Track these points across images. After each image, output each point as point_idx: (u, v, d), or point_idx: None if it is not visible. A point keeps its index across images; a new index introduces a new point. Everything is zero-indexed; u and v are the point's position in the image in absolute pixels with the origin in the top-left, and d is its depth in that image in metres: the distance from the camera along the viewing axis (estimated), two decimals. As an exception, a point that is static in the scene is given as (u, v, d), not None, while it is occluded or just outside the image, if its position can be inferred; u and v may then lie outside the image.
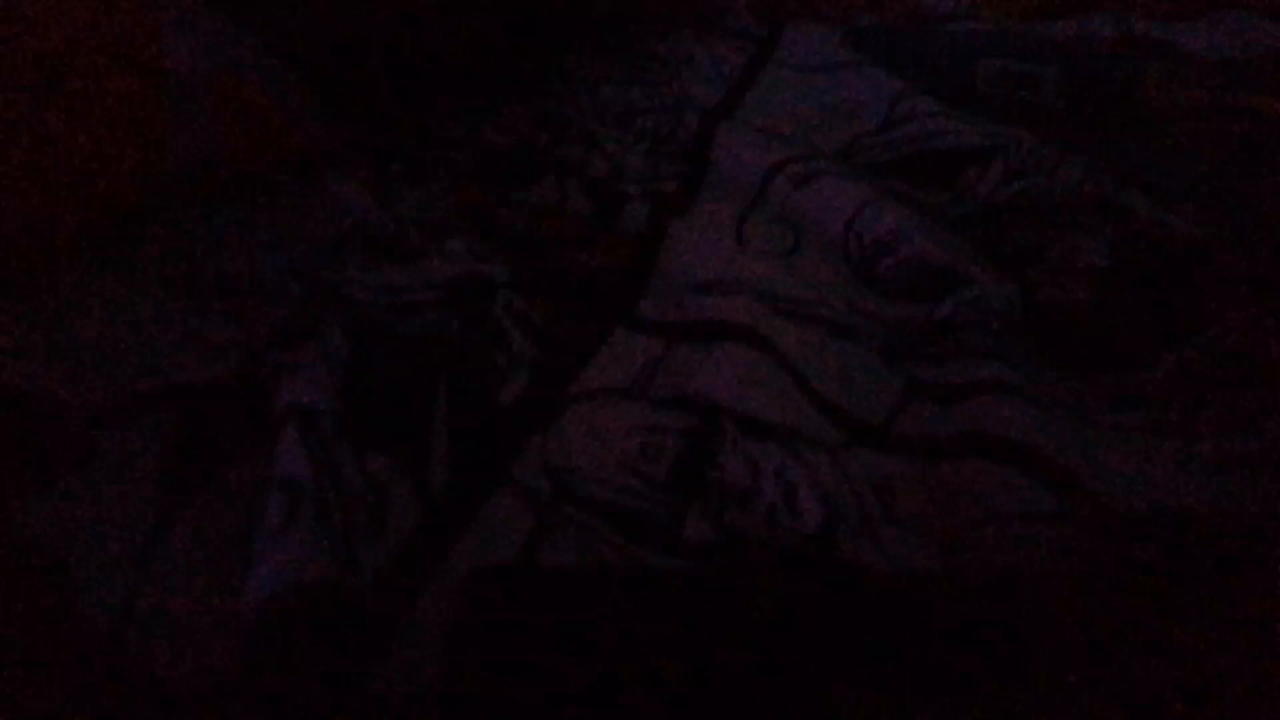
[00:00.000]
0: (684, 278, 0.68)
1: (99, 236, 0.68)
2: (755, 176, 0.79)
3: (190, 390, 0.58)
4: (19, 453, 0.54)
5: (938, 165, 0.80)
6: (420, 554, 0.48)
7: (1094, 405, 0.59)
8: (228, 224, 0.71)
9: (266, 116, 0.73)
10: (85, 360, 0.60)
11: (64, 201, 0.65)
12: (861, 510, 0.52)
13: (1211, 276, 0.68)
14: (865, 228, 0.71)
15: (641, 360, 0.61)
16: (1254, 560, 0.49)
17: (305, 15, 0.74)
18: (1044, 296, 0.67)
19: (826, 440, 0.55)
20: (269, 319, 0.62)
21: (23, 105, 0.61)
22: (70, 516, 0.50)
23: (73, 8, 0.62)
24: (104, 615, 0.46)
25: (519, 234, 0.73)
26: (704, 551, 0.49)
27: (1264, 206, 0.75)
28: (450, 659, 0.44)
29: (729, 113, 0.90)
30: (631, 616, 0.46)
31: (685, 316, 0.64)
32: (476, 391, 0.58)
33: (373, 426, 0.54)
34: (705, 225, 0.74)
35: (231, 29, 0.71)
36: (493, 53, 0.89)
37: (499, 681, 0.44)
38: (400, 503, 0.50)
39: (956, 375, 0.59)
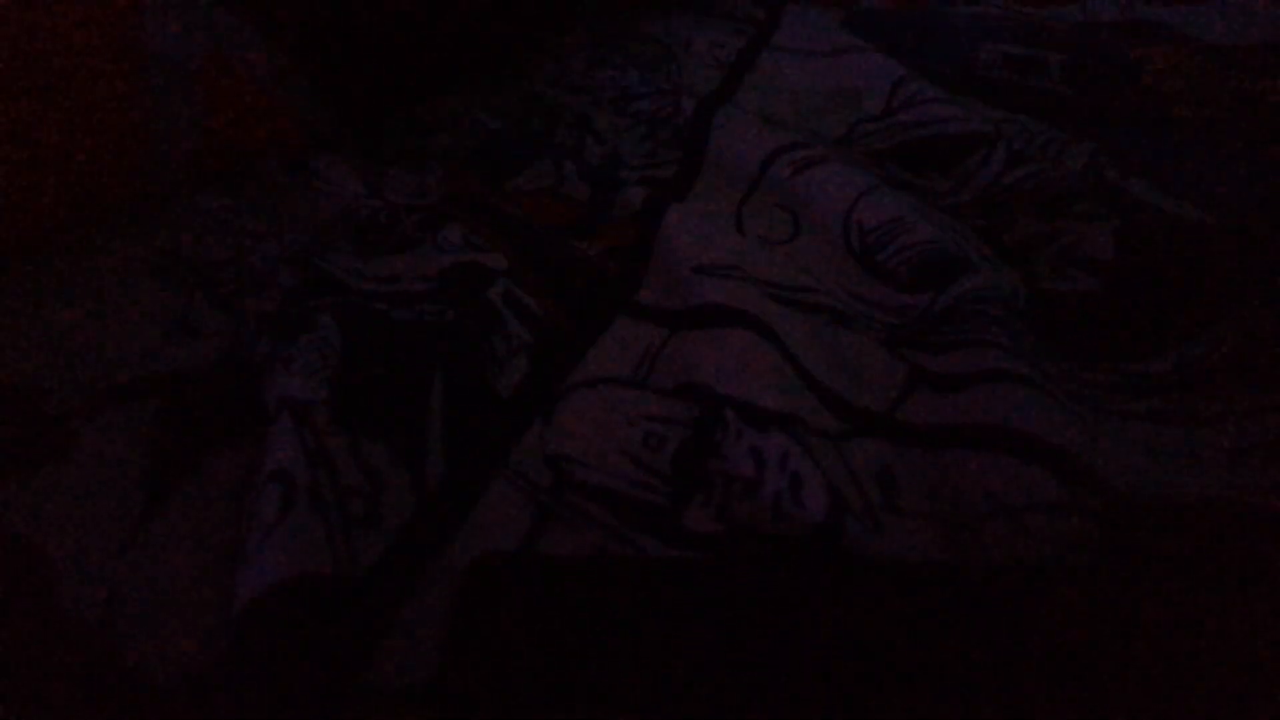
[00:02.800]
0: (683, 263, 0.66)
1: (83, 224, 0.66)
2: (753, 162, 0.77)
3: (175, 379, 0.57)
4: None
5: (939, 152, 0.79)
6: (418, 545, 0.47)
7: (1101, 395, 0.58)
8: (214, 210, 0.70)
9: (253, 100, 0.72)
10: (67, 349, 0.58)
11: (46, 188, 0.63)
12: (865, 500, 0.51)
13: (1219, 265, 0.67)
14: (866, 215, 0.70)
15: (642, 348, 0.60)
16: (1265, 549, 0.49)
17: (294, -4, 0.72)
18: (1048, 286, 0.66)
19: (829, 429, 0.54)
20: (258, 307, 0.61)
21: (1, 91, 0.59)
22: (52, 507, 0.49)
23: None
24: (87, 606, 0.44)
25: (515, 221, 0.71)
26: (706, 542, 0.48)
27: (1270, 194, 0.74)
28: (448, 651, 0.43)
29: (727, 97, 0.89)
30: (632, 606, 0.45)
31: (685, 303, 0.63)
32: (474, 380, 0.56)
33: (367, 416, 0.53)
34: (703, 210, 0.73)
35: (217, 10, 0.70)
36: (484, 34, 0.88)
37: (497, 673, 0.43)
38: (396, 493, 0.49)
39: (960, 364, 0.58)
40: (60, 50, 0.61)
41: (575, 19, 0.99)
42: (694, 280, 0.64)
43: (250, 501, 0.47)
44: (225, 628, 0.43)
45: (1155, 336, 0.62)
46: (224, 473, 0.50)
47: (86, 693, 0.42)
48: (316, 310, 0.59)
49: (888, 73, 0.89)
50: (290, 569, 0.43)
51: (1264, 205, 0.72)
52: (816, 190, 0.73)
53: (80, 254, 0.65)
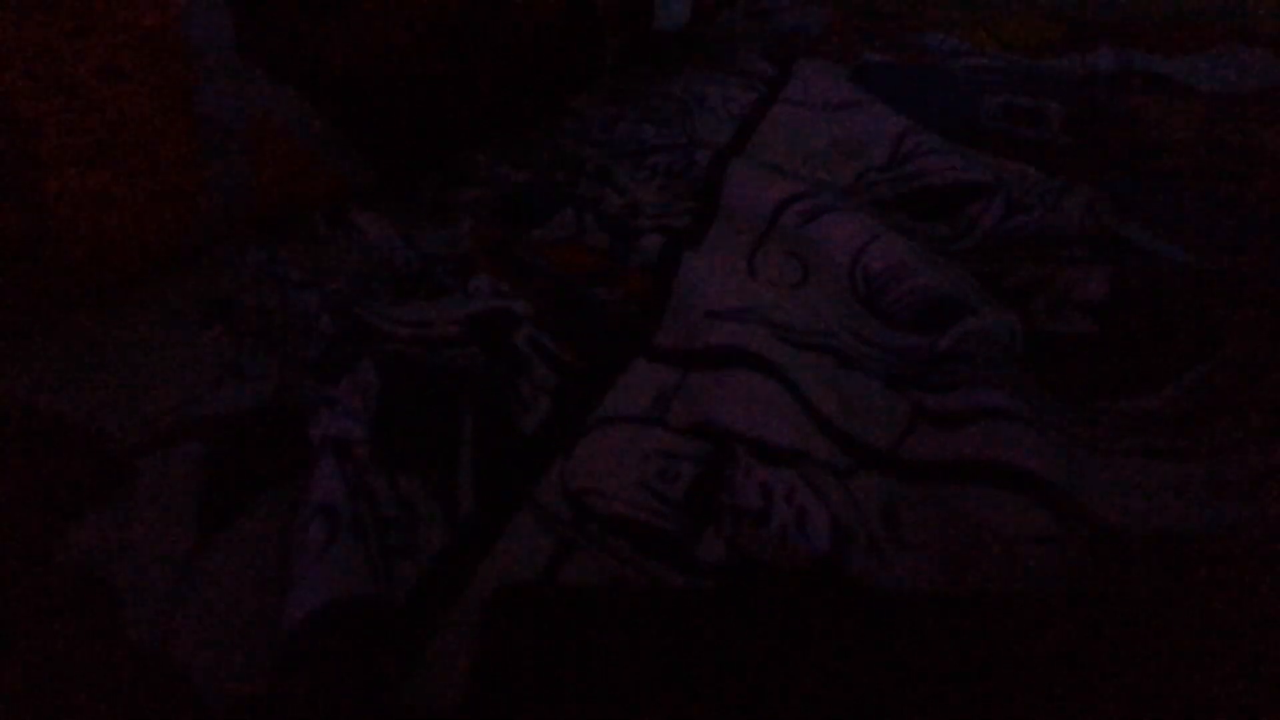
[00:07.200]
0: (697, 306, 0.70)
1: (140, 274, 0.72)
2: (765, 211, 0.81)
3: (225, 420, 0.61)
4: (63, 479, 0.57)
5: (942, 200, 0.83)
6: (448, 572, 0.50)
7: (1093, 431, 0.60)
8: (261, 261, 0.75)
9: (296, 159, 0.77)
10: (125, 390, 0.63)
11: (104, 239, 0.68)
12: (869, 532, 0.54)
13: (1210, 307, 0.70)
14: (871, 261, 0.74)
15: (658, 388, 0.64)
16: (1251, 582, 0.51)
17: (332, 62, 0.78)
18: (1045, 327, 0.69)
19: (835, 464, 0.58)
20: (302, 352, 0.65)
21: (65, 146, 0.64)
22: (113, 539, 0.53)
23: (115, 54, 0.65)
24: (145, 632, 0.48)
25: (539, 269, 0.76)
26: (718, 571, 0.51)
27: (1261, 238, 0.77)
28: (472, 676, 0.46)
29: (739, 149, 0.93)
30: (648, 632, 0.48)
31: (699, 344, 0.66)
32: (500, 419, 0.60)
33: (404, 453, 0.57)
34: (717, 257, 0.77)
35: (262, 74, 0.75)
36: (510, 94, 0.93)
37: (519, 698, 0.46)
38: (429, 524, 0.53)
39: (960, 403, 0.61)
40: (131, 111, 0.65)
41: (596, 78, 1.05)
42: (707, 324, 0.68)
43: (297, 532, 0.50)
44: (271, 650, 0.47)
45: (1148, 373, 0.64)
46: (271, 507, 0.54)
47: (143, 713, 0.46)
48: (356, 355, 0.63)
49: (893, 125, 0.94)
50: (335, 592, 0.46)
51: (1255, 249, 0.75)
52: (824, 237, 0.77)
53: (137, 302, 0.70)
